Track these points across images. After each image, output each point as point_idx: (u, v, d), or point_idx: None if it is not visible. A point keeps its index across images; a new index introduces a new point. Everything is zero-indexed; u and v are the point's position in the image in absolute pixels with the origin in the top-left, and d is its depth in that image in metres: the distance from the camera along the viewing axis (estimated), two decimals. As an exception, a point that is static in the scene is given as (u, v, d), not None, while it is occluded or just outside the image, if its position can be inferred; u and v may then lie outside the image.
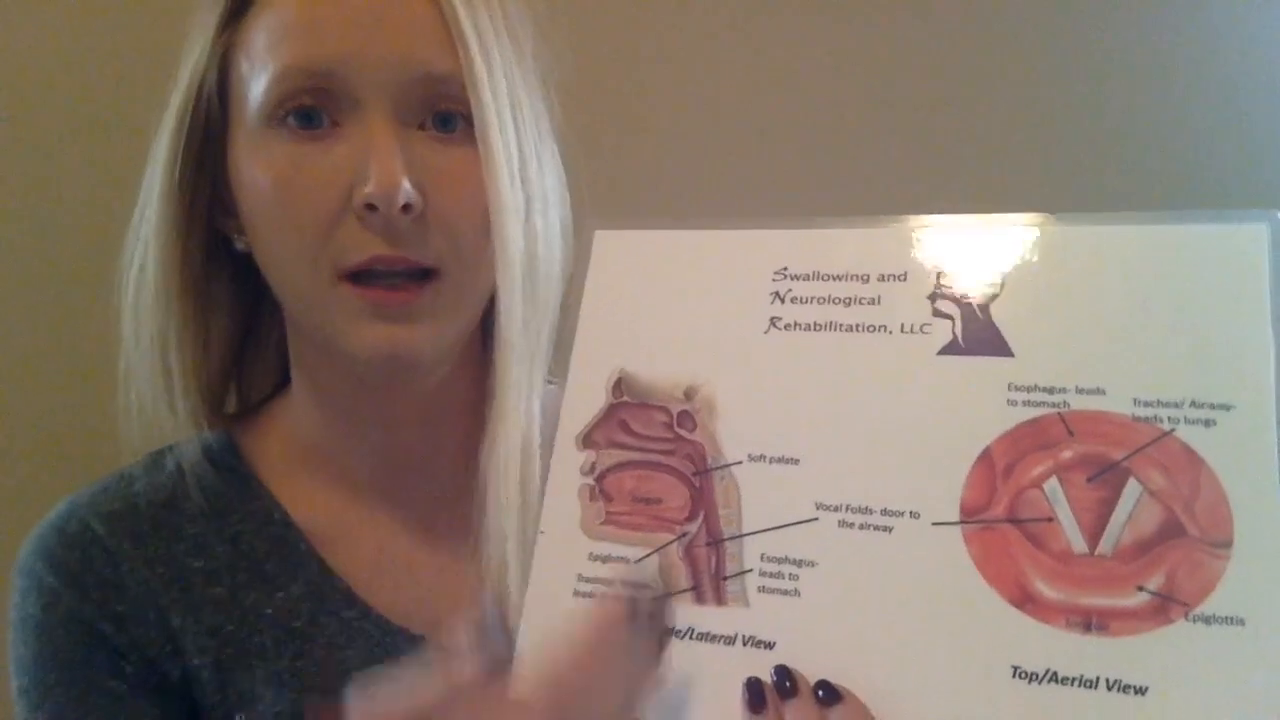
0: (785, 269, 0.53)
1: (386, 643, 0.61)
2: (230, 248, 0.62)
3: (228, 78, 0.59)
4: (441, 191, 0.56)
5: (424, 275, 0.57)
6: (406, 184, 0.54)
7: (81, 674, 0.58)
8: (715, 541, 0.49)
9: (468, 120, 0.57)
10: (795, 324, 0.51)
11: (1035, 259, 0.49)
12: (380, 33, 0.55)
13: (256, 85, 0.56)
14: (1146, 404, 0.45)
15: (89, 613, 0.58)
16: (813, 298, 0.52)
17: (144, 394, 0.61)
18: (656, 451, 0.52)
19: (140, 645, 0.59)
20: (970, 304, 0.49)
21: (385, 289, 0.56)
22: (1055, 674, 0.43)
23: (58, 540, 0.60)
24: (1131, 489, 0.44)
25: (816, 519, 0.48)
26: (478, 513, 0.58)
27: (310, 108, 0.55)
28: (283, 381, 0.68)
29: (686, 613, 0.48)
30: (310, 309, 0.58)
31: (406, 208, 0.54)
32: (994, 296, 0.49)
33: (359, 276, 0.56)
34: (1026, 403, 0.47)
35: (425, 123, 0.57)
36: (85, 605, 0.59)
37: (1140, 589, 0.43)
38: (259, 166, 0.57)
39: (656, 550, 0.50)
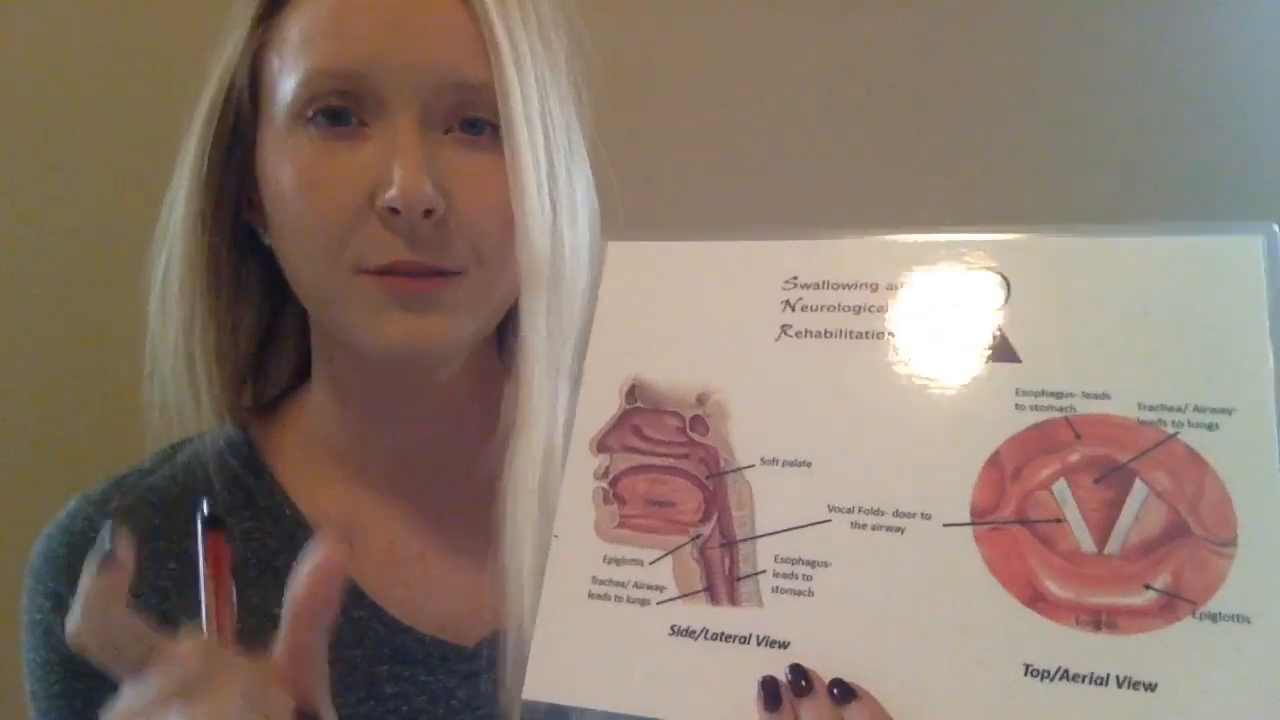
0: (795, 278, 0.54)
1: (395, 642, 0.61)
2: (257, 242, 0.63)
3: (260, 75, 0.59)
4: (465, 196, 0.56)
5: (443, 273, 0.57)
6: (429, 188, 0.54)
7: (83, 685, 0.58)
8: (729, 543, 0.50)
9: (495, 127, 0.57)
10: (805, 331, 0.52)
11: (1041, 268, 0.50)
12: (411, 38, 0.55)
13: (286, 84, 0.57)
14: (1151, 408, 0.47)
15: None
16: (823, 306, 0.53)
17: (168, 385, 0.61)
18: (670, 456, 0.52)
19: None
20: (978, 312, 0.50)
21: (405, 277, 0.56)
22: (1066, 671, 0.44)
23: (62, 541, 0.60)
24: (1138, 490, 0.46)
25: (829, 520, 0.49)
26: (497, 521, 0.59)
27: (338, 108, 0.56)
28: (300, 378, 0.68)
29: (701, 613, 0.49)
30: (329, 302, 0.58)
31: (428, 213, 0.55)
32: (1001, 304, 0.50)
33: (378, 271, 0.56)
34: (1034, 407, 0.48)
35: (452, 127, 0.57)
36: None
37: (1148, 587, 0.44)
38: (284, 164, 0.57)
39: (670, 552, 0.51)
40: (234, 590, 0.50)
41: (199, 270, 0.60)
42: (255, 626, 0.59)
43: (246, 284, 0.64)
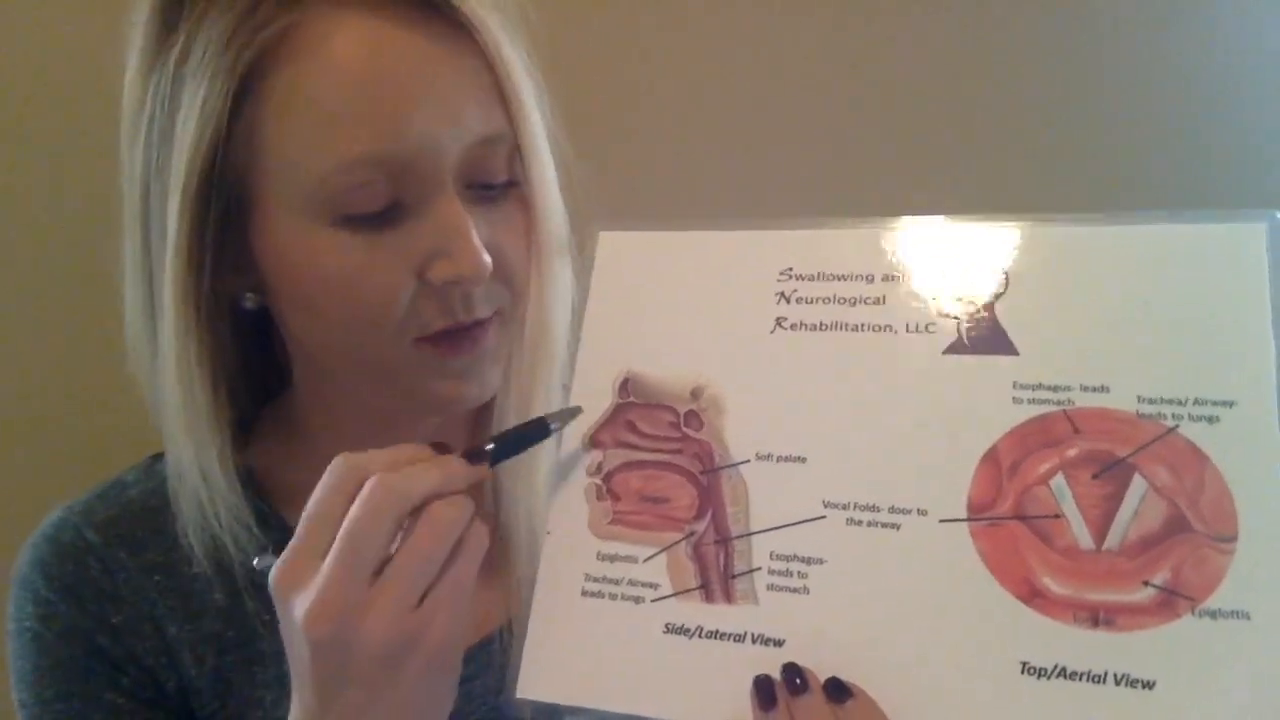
0: (790, 269, 0.53)
1: None
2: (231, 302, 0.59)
3: (253, 142, 0.54)
4: (498, 247, 0.56)
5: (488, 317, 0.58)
6: (488, 259, 0.54)
7: (80, 688, 0.58)
8: (724, 540, 0.49)
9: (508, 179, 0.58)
10: (801, 324, 0.52)
11: (1039, 259, 0.49)
12: (446, 103, 0.53)
13: (304, 167, 0.52)
14: (1151, 401, 0.46)
15: (86, 625, 0.58)
16: (818, 298, 0.52)
17: (180, 450, 0.58)
18: (664, 451, 0.52)
19: (137, 656, 0.58)
20: (975, 303, 0.49)
21: (463, 337, 0.56)
22: (1064, 669, 0.43)
23: (52, 550, 0.59)
24: (1137, 485, 0.45)
25: (824, 517, 0.48)
26: (509, 527, 0.59)
27: (382, 206, 0.53)
28: (261, 383, 0.66)
29: (696, 611, 0.49)
30: (380, 371, 0.57)
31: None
32: (998, 296, 0.49)
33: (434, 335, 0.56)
34: (1032, 400, 0.47)
35: (472, 183, 0.56)
36: (82, 618, 0.58)
37: (1146, 584, 0.44)
38: (322, 256, 0.54)
39: (664, 549, 0.50)
40: None
41: (195, 353, 0.56)
42: (247, 637, 0.59)
43: (227, 344, 0.60)
